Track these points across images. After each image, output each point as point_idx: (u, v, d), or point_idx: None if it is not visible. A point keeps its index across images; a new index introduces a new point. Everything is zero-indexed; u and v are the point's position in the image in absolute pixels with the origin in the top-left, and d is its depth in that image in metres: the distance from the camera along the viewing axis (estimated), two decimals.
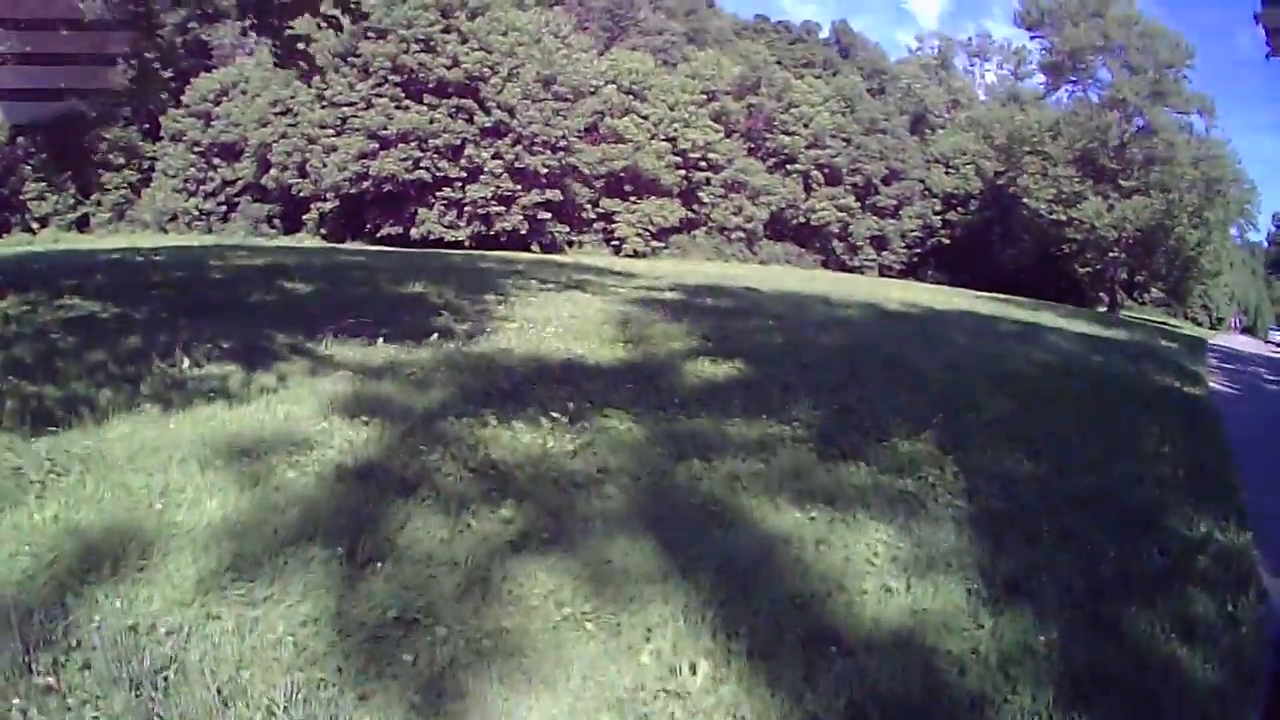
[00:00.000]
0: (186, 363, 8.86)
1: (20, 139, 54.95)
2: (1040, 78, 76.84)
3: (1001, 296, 48.16)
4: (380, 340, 10.73)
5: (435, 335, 11.27)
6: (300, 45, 15.06)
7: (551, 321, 13.47)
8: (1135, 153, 67.22)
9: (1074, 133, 67.96)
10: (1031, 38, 74.56)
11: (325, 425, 7.34)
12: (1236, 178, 69.68)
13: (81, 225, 61.39)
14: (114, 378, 8.39)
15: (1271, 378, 26.61)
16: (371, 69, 55.00)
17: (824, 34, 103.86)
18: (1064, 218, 66.37)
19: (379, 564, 4.90)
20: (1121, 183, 66.27)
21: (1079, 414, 10.87)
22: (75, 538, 4.91)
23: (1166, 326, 52.68)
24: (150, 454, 6.31)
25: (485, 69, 55.22)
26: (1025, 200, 68.32)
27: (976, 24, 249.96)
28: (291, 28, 14.95)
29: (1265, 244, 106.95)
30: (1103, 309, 66.94)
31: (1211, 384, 19.87)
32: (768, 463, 7.29)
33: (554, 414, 7.91)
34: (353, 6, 14.53)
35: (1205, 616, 5.42)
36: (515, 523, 5.65)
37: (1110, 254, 68.83)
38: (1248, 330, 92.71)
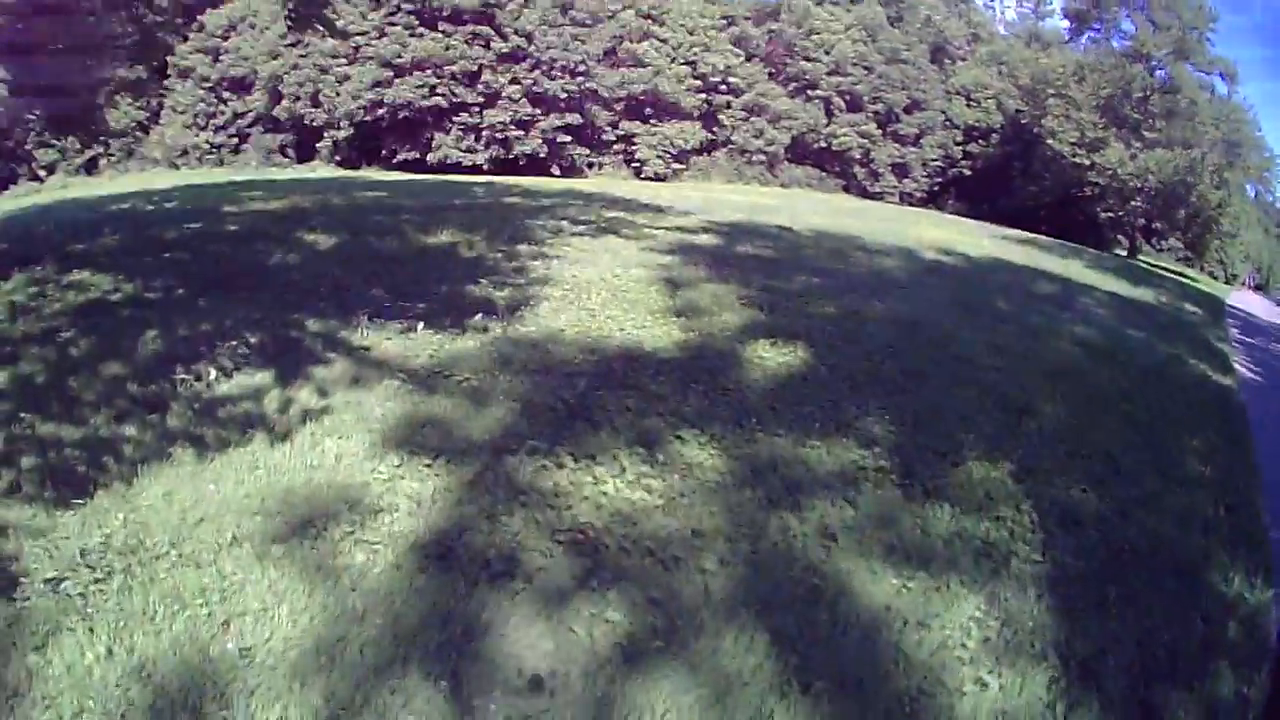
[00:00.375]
0: (213, 373, 8.09)
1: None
2: (1063, 21, 74.72)
3: (1026, 235, 47.05)
4: (420, 325, 9.92)
5: (479, 315, 10.49)
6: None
7: (595, 286, 12.74)
8: (1158, 106, 65.74)
9: (1098, 79, 66.89)
10: None
11: (383, 471, 6.52)
12: (1256, 144, 69.39)
13: (90, 168, 59.95)
14: (136, 404, 7.55)
15: None
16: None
17: None
18: (1086, 161, 65.58)
19: (488, 698, 4.35)
20: (1145, 133, 65.19)
21: (1127, 421, 10.42)
22: (141, 684, 4.28)
23: (1185, 279, 53.35)
24: (195, 533, 5.61)
25: None
26: (1049, 141, 67.34)
27: None
28: None
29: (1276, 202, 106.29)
30: (1121, 253, 67.74)
31: (1238, 366, 19.04)
32: (856, 506, 6.78)
33: (632, 446, 7.19)
34: None
35: (1226, 695, 5.37)
36: (621, 624, 5.06)
37: (1132, 201, 67.95)
38: (1260, 288, 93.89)
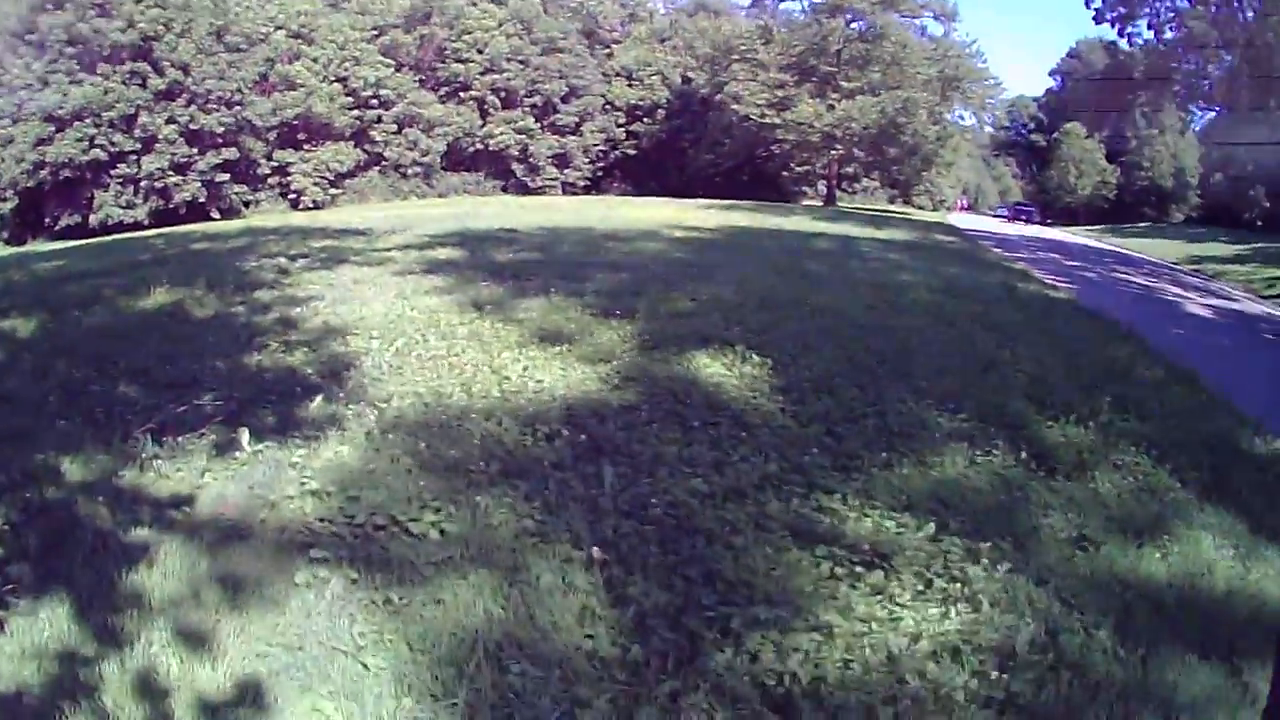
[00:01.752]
0: None
1: None
2: None
3: (725, 204, 47.80)
4: (242, 433, 6.81)
5: (313, 397, 7.77)
6: None
7: (401, 325, 10.56)
8: (858, 55, 67.77)
9: (787, 38, 68.14)
10: None
11: None
12: (980, 75, 71.47)
13: None
14: None
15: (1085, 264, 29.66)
16: (48, 43, 48.66)
17: None
18: (776, 120, 66.08)
19: None
20: (842, 84, 66.65)
21: (1044, 352, 11.47)
22: None
23: (897, 214, 58.97)
24: None
25: (160, 26, 49.92)
26: (734, 106, 67.58)
27: None
28: None
29: (991, 129, 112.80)
30: (815, 202, 70.31)
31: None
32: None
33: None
34: None
35: None
36: None
37: (832, 151, 69.20)
38: (970, 208, 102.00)
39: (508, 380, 8.32)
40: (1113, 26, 63.33)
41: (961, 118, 75.62)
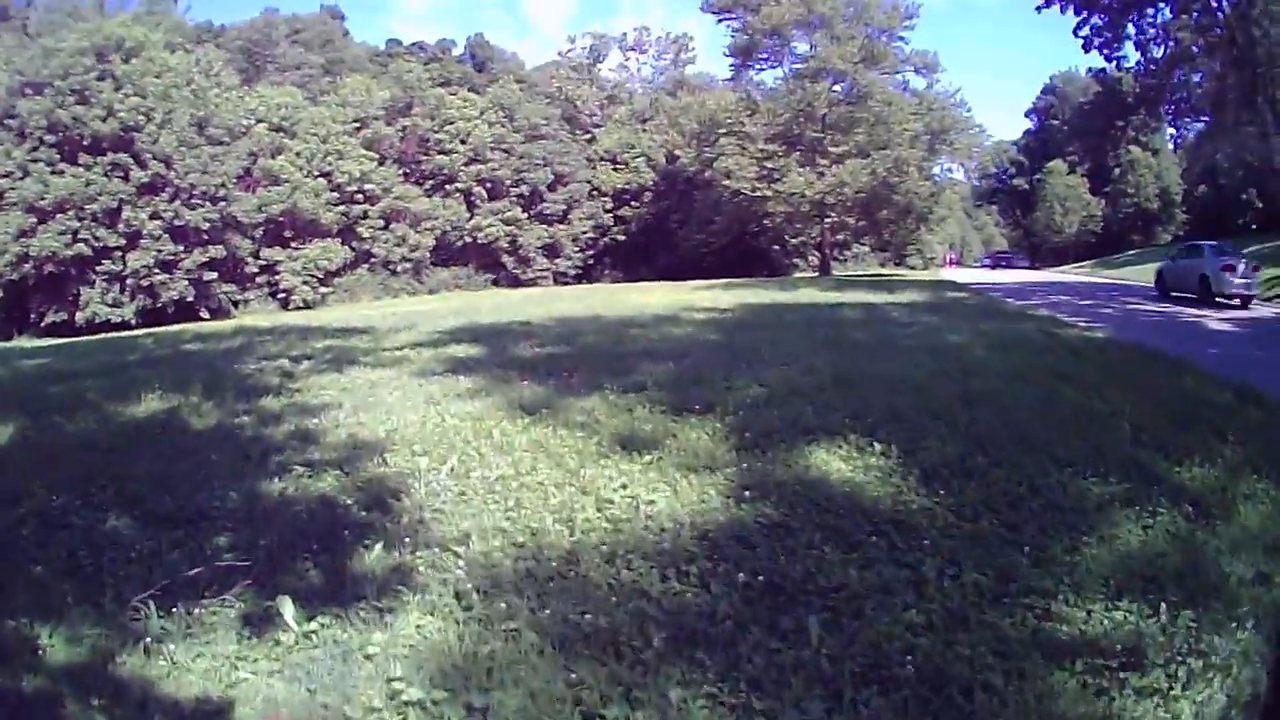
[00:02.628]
0: None
1: None
2: (727, 59, 73.66)
3: (726, 283, 47.80)
4: (283, 602, 5.04)
5: (363, 540, 6.05)
6: None
7: (447, 438, 8.92)
8: (843, 119, 66.65)
9: (773, 107, 66.89)
10: (719, 20, 71.89)
11: None
12: (964, 125, 71.24)
13: None
14: None
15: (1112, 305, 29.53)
16: (28, 130, 47.72)
17: (458, 51, 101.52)
18: (768, 193, 64.91)
19: None
20: (831, 149, 65.44)
21: (1125, 395, 10.73)
22: None
23: (896, 277, 57.55)
24: None
25: (140, 116, 49.02)
26: (725, 182, 66.28)
27: (605, 24, 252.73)
28: None
29: (976, 181, 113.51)
30: (810, 274, 70.35)
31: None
32: None
33: None
34: None
35: None
36: None
37: (828, 219, 68.14)
38: (958, 262, 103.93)
39: (610, 505, 6.67)
40: (1100, 53, 62.68)
41: (950, 170, 75.74)
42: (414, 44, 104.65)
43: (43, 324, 48.31)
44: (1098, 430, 8.77)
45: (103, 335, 39.44)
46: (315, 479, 7.66)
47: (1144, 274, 47.11)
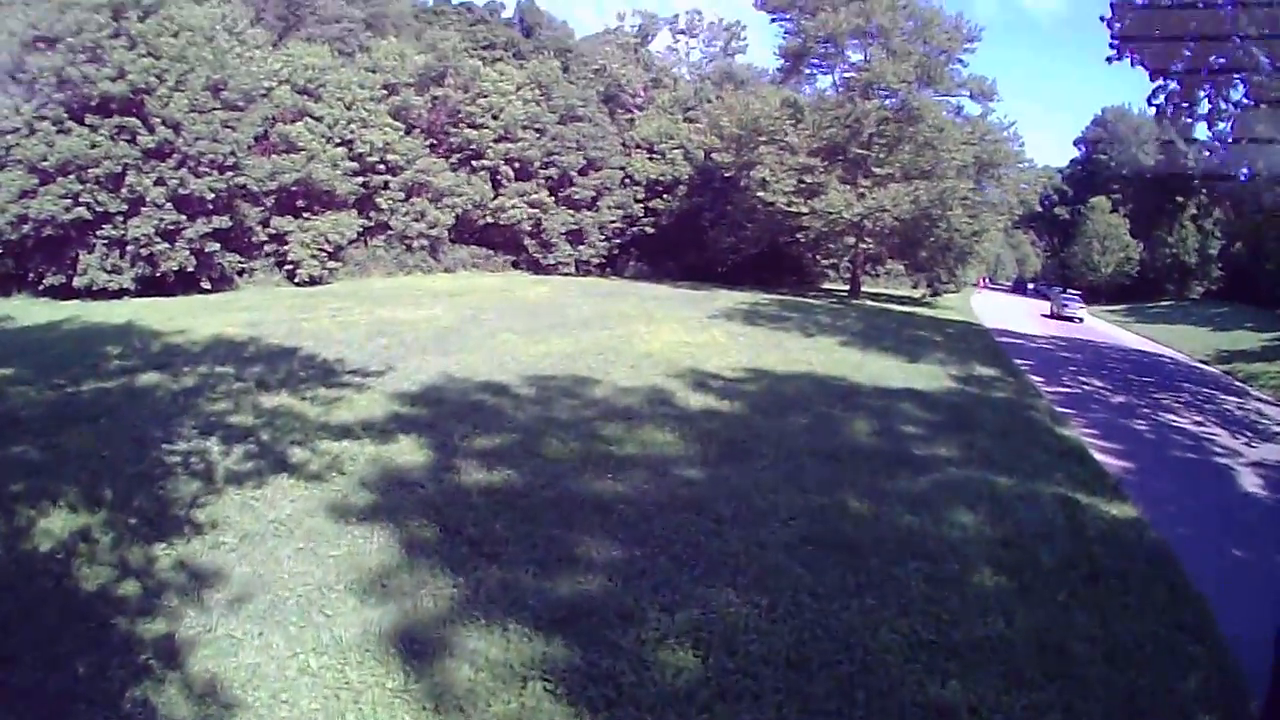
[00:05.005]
0: None
1: None
2: (776, 60, 71.84)
3: (725, 301, 48.09)
4: None
5: None
6: None
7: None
8: (891, 138, 64.54)
9: (819, 119, 64.72)
10: (773, 19, 69.86)
11: None
12: (1016, 159, 68.95)
13: None
14: None
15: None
16: (38, 86, 45.72)
17: (508, 13, 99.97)
18: (804, 209, 62.73)
19: None
20: (875, 170, 63.46)
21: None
22: None
23: (925, 315, 56.39)
24: None
25: (152, 78, 46.97)
26: (759, 194, 63.79)
27: (655, 3, 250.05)
28: None
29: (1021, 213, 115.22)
30: (829, 285, 72.86)
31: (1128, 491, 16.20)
32: None
33: None
34: None
35: None
36: None
37: (861, 244, 66.95)
38: (989, 282, 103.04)
39: None
40: (1169, 120, 60.02)
41: (995, 204, 71.77)
42: (462, 3, 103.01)
43: (40, 286, 46.90)
44: None
45: (94, 304, 40.65)
46: None
47: (1180, 337, 45.95)
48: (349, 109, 60.84)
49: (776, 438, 17.31)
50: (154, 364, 22.36)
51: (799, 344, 31.89)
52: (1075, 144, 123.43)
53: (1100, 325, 67.38)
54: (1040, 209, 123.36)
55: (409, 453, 14.54)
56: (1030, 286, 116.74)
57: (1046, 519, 13.54)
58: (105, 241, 46.63)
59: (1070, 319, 69.95)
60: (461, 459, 14.30)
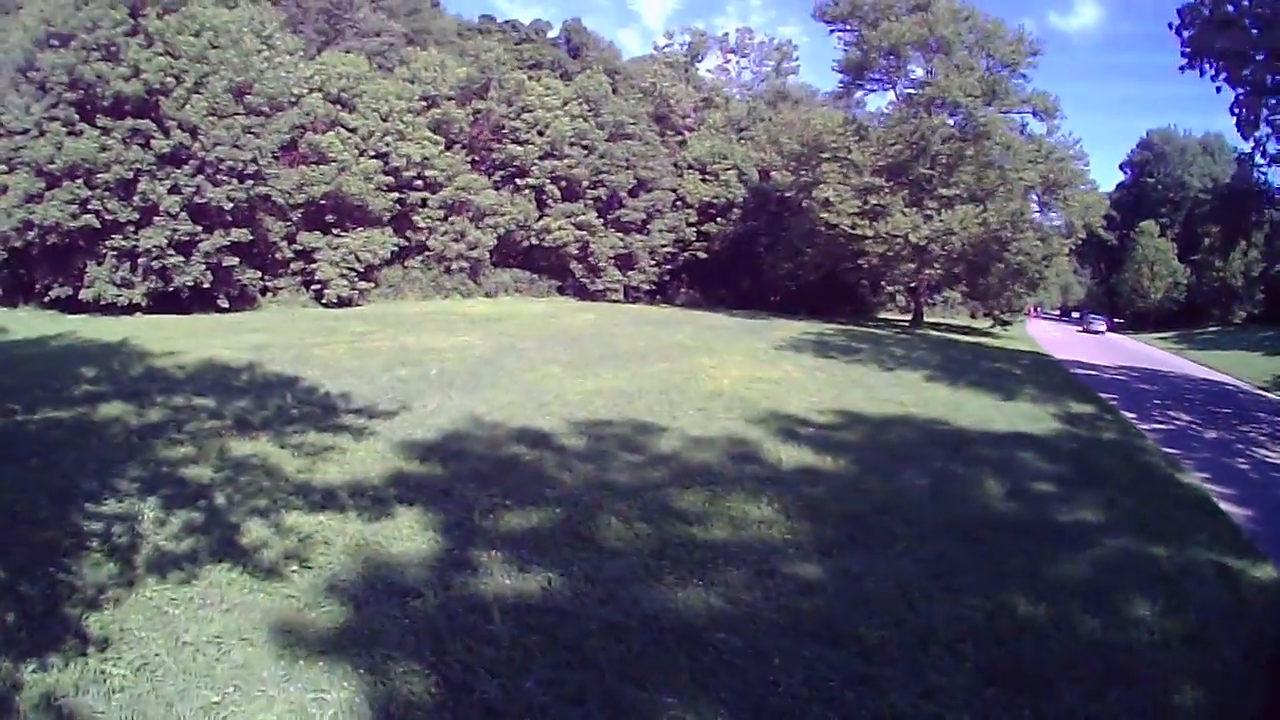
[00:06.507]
0: None
1: None
2: (837, 75, 68.12)
3: (786, 331, 44.94)
4: None
5: None
6: None
7: None
8: (955, 156, 60.95)
9: (884, 136, 61.09)
10: (831, 31, 66.94)
11: None
12: (1081, 178, 65.79)
13: None
14: None
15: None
16: (49, 84, 42.62)
17: (554, 33, 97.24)
18: (867, 232, 59.45)
19: None
20: (943, 192, 59.68)
21: None
22: None
23: (992, 345, 55.02)
24: None
25: (169, 78, 43.61)
26: (824, 214, 60.64)
27: (707, 22, 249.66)
28: None
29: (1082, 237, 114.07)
30: (886, 315, 70.66)
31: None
32: None
33: None
34: None
35: None
36: None
37: (930, 269, 62.71)
38: (1039, 310, 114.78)
39: None
40: (1239, 132, 55.96)
41: (1059, 227, 68.42)
42: (507, 21, 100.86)
43: (46, 297, 43.73)
44: None
45: (100, 319, 37.88)
46: None
47: (1236, 364, 44.27)
48: (385, 120, 57.47)
49: (900, 509, 12.99)
50: (125, 391, 18.60)
51: (881, 379, 28.33)
52: (1121, 168, 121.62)
53: (1157, 353, 65.06)
54: (1085, 235, 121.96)
55: (408, 537, 10.31)
56: (1075, 315, 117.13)
57: (1215, 598, 10.52)
58: (115, 253, 43.21)
59: (1094, 332, 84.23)
60: (482, 549, 9.96)
